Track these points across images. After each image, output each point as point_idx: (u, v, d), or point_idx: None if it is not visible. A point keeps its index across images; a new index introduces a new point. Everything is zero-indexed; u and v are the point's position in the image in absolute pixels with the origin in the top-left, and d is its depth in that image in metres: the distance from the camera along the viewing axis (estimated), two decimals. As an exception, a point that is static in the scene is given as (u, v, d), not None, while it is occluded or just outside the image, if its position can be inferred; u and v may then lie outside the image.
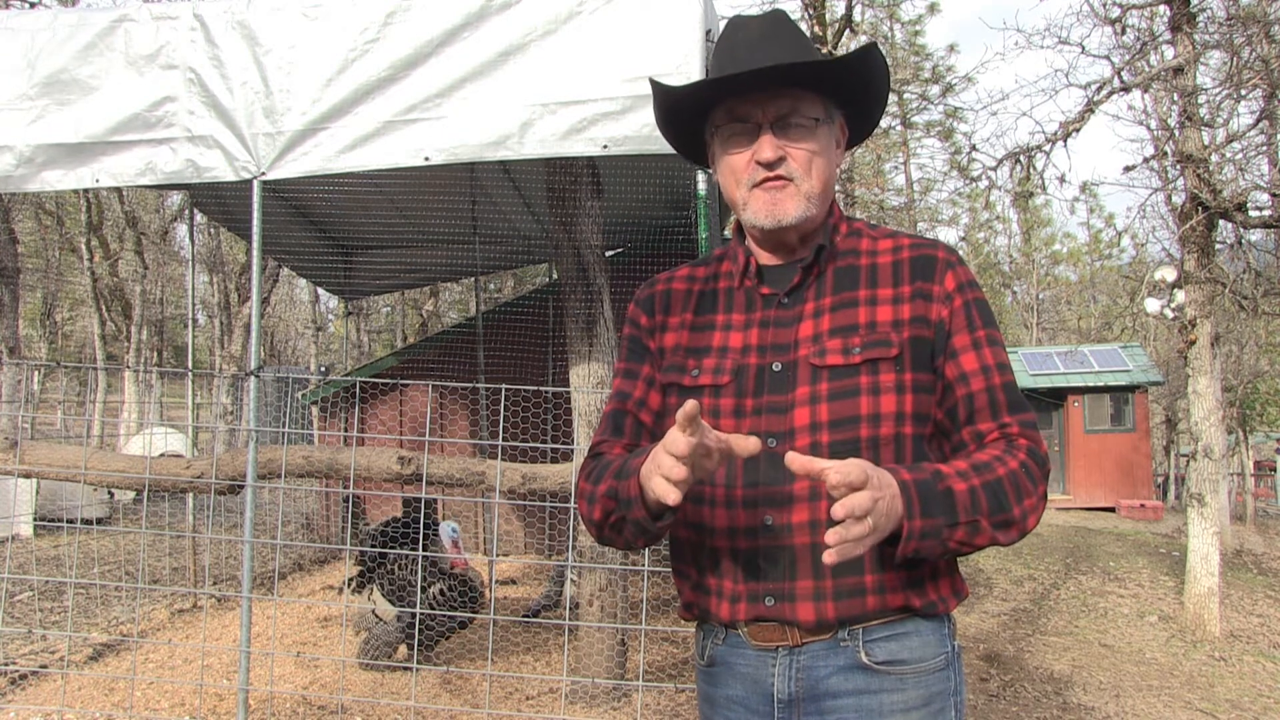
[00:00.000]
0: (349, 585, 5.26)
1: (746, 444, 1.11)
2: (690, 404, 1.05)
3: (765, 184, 1.28)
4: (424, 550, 4.97)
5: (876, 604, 1.21)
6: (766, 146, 1.27)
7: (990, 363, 1.26)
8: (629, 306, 1.48)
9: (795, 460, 1.04)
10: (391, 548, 5.07)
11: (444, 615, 4.83)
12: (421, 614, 4.76)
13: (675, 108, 1.37)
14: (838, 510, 1.02)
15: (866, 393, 1.22)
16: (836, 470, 1.01)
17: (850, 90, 1.32)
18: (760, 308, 1.33)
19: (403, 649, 5.07)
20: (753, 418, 1.26)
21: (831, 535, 1.02)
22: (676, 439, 1.07)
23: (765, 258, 1.36)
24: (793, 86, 1.27)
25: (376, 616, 5.06)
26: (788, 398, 1.25)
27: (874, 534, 1.05)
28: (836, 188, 1.32)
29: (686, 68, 3.24)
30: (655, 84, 1.36)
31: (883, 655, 1.22)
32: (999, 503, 1.16)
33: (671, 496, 1.08)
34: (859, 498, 1.01)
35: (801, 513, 1.21)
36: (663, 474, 1.09)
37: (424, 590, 4.94)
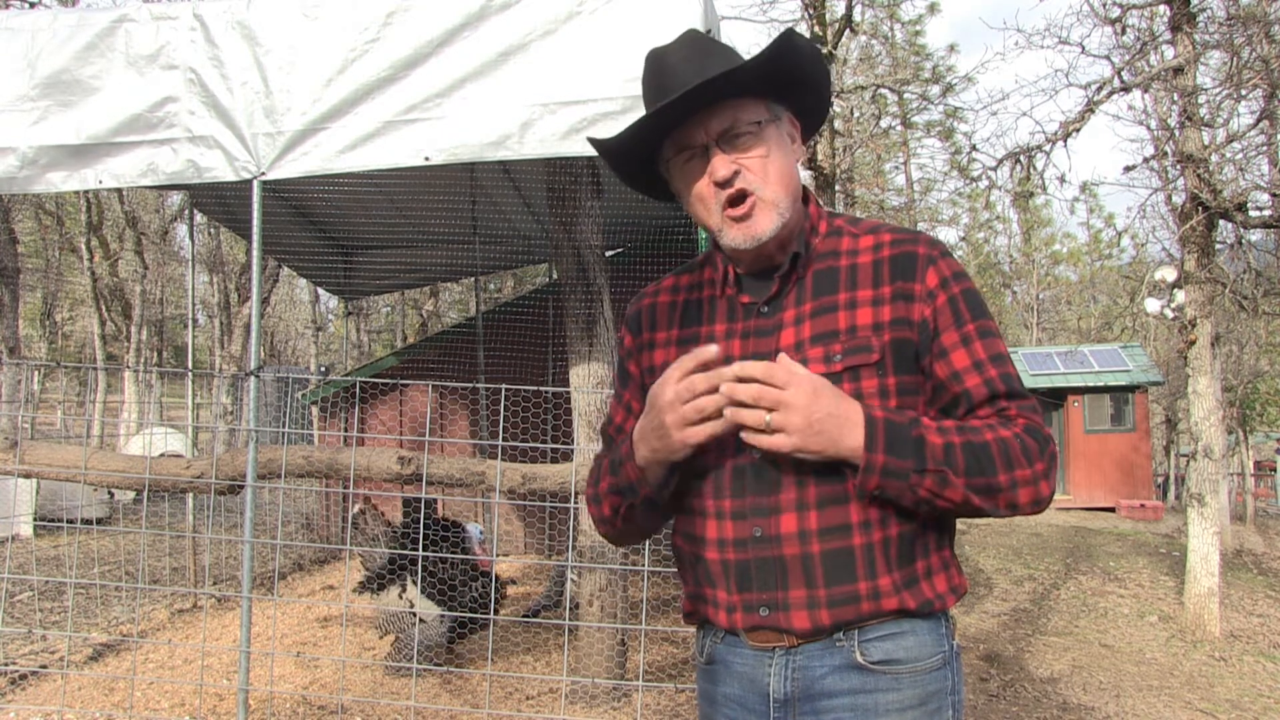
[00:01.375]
0: (369, 586, 5.22)
1: (707, 351, 1.18)
2: (711, 349, 1.17)
3: (731, 208, 1.27)
4: (457, 551, 5.01)
5: (871, 609, 1.21)
6: (719, 165, 1.25)
7: (982, 356, 1.24)
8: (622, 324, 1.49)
9: (782, 358, 1.17)
10: (426, 548, 5.06)
11: (482, 614, 4.86)
12: (463, 614, 4.80)
13: (625, 157, 1.36)
14: (733, 367, 1.15)
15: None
16: (762, 366, 1.14)
17: (779, 84, 1.29)
18: (741, 317, 1.32)
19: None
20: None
21: (725, 386, 1.14)
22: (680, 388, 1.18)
23: (744, 266, 1.35)
24: (726, 98, 1.25)
25: (417, 617, 5.03)
26: None
27: (780, 435, 1.13)
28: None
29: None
30: (595, 143, 1.35)
31: (878, 655, 1.22)
32: (979, 465, 1.15)
33: (705, 432, 1.17)
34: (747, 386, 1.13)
35: (790, 523, 1.21)
36: (684, 417, 1.17)
37: (465, 589, 4.98)
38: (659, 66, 1.31)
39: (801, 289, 1.30)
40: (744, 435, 1.15)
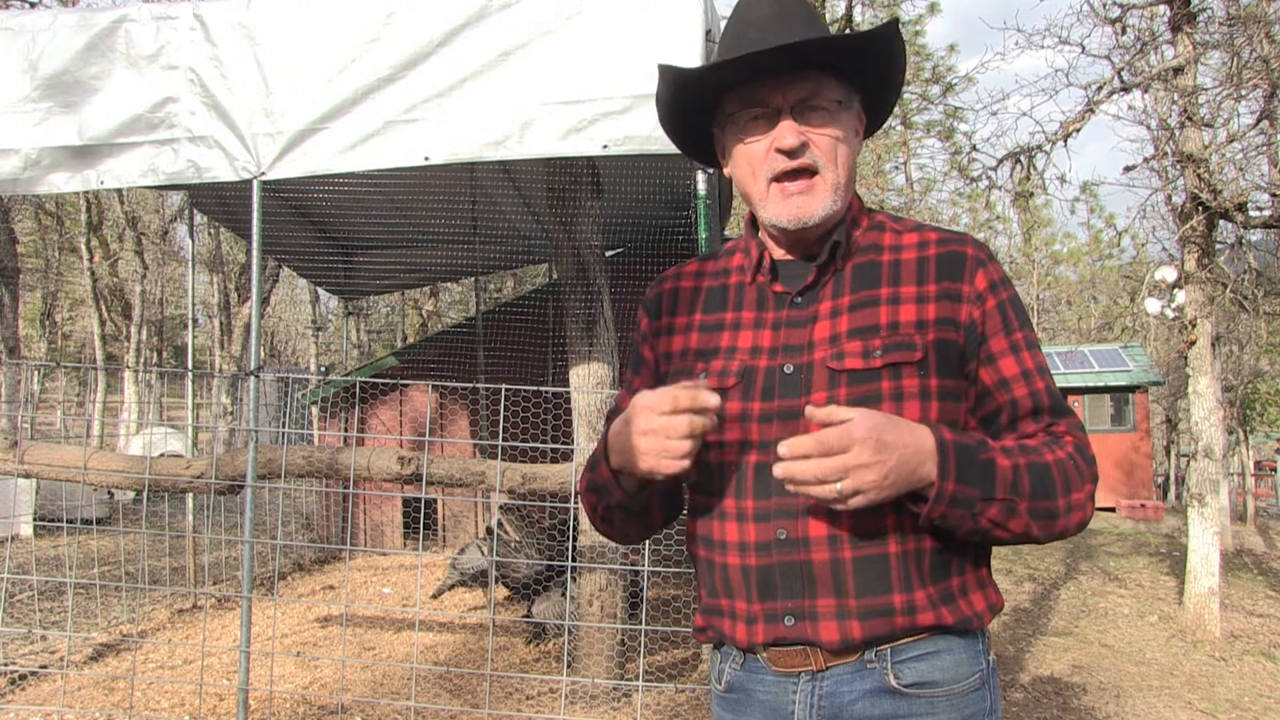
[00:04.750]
0: (522, 592, 5.24)
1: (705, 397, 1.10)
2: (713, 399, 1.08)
3: (785, 181, 1.19)
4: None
5: (905, 623, 1.13)
6: (788, 132, 1.16)
7: (1030, 367, 1.18)
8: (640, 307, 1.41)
9: (816, 414, 1.03)
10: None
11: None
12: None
13: (684, 95, 1.27)
14: (781, 449, 1.03)
15: (889, 399, 1.13)
16: (821, 437, 1.01)
17: (871, 72, 1.22)
18: (773, 307, 1.24)
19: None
20: (761, 424, 1.17)
21: (780, 468, 1.03)
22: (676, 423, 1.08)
23: (779, 252, 1.27)
24: (812, 68, 1.17)
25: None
26: (801, 402, 1.15)
27: (857, 496, 1.03)
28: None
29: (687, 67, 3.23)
30: (664, 67, 1.25)
31: (912, 677, 1.14)
32: (1043, 488, 1.09)
33: (674, 467, 1.10)
34: (822, 460, 1.02)
35: (819, 525, 1.13)
36: (664, 453, 1.10)
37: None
38: (749, 15, 1.21)
39: (839, 281, 1.22)
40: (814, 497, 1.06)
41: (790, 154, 1.17)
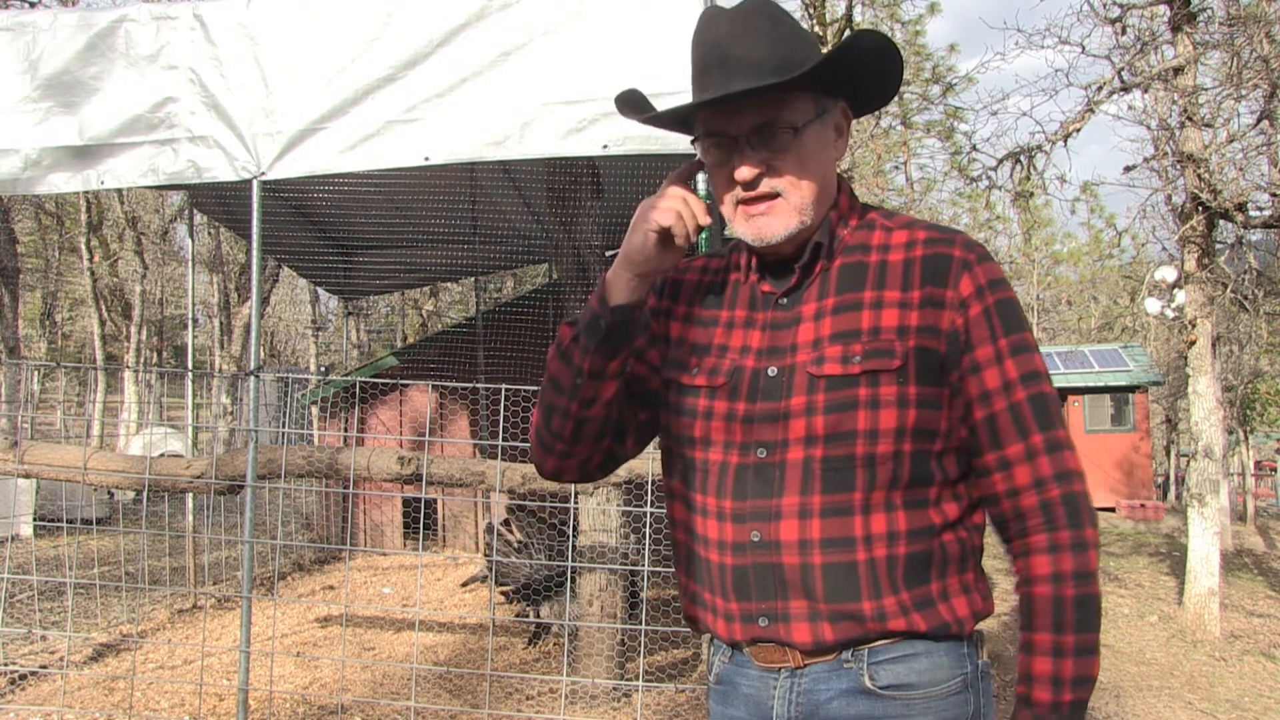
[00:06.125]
0: (520, 595, 5.27)
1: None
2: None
3: (748, 204, 1.19)
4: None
5: (877, 629, 1.13)
6: (743, 165, 1.17)
7: (1013, 376, 1.15)
8: None
9: None
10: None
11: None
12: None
13: (657, 124, 1.29)
14: None
15: (865, 406, 1.13)
16: None
17: (841, 83, 1.20)
18: (761, 307, 1.25)
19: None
20: (743, 425, 1.18)
21: None
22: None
23: (767, 254, 1.28)
24: (768, 92, 1.15)
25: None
26: (781, 406, 1.16)
27: None
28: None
29: (687, 68, 3.23)
30: (622, 110, 1.28)
31: (888, 679, 1.14)
32: (1086, 644, 1.13)
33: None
34: None
35: (790, 530, 1.13)
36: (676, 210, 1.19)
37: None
38: (710, 33, 1.19)
39: (825, 282, 1.22)
40: None
41: (746, 186, 1.18)
